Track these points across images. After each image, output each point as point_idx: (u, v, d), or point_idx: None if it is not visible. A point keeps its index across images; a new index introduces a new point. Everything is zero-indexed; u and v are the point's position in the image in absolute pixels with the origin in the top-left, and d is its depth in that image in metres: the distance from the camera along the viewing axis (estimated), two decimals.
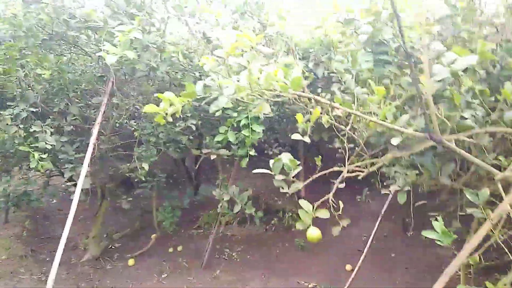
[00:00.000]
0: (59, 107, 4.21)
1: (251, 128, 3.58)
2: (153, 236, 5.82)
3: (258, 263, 5.27)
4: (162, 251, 5.67)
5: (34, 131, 3.83)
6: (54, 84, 4.16)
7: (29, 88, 4.10)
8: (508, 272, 2.15)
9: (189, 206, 6.77)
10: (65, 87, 4.20)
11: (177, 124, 4.09)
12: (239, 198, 4.31)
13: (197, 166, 4.86)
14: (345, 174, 2.16)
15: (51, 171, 5.23)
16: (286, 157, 1.99)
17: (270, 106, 4.46)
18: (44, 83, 4.22)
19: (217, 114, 3.58)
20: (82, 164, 3.88)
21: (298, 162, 1.99)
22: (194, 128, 4.15)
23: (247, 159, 3.78)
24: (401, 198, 2.36)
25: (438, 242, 1.68)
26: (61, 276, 4.90)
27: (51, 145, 3.84)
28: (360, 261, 3.76)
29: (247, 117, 3.61)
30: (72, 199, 3.75)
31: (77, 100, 4.46)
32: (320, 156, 2.18)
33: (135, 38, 3.15)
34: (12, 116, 3.85)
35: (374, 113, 1.96)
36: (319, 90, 3.68)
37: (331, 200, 2.04)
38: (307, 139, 1.97)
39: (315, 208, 1.97)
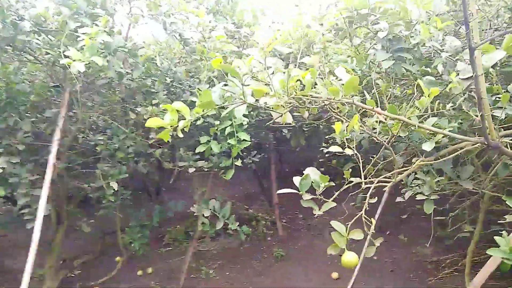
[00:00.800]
0: (7, 123, 3.62)
1: (237, 136, 3.28)
2: (118, 259, 5.30)
3: (238, 279, 4.95)
4: (130, 275, 5.18)
5: None
6: (1, 97, 3.57)
7: None
8: None
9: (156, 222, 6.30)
10: (13, 100, 3.63)
11: (150, 136, 3.68)
12: (221, 213, 3.99)
13: (172, 180, 4.43)
14: (372, 186, 1.94)
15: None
16: (314, 173, 1.72)
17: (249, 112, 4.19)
18: None
19: (198, 122, 3.26)
20: (37, 187, 3.38)
21: (329, 177, 1.73)
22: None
23: (233, 170, 3.47)
24: (428, 207, 2.18)
25: (506, 261, 1.49)
26: None
27: (0, 168, 3.29)
28: (356, 270, 3.58)
29: (231, 125, 3.30)
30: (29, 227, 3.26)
31: (28, 115, 3.88)
32: (350, 170, 1.93)
33: (104, 41, 2.74)
34: None
35: (409, 117, 1.76)
36: None
37: (364, 217, 1.80)
38: (349, 151, 1.73)
39: (348, 229, 1.72)
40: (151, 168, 4.77)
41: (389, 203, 3.34)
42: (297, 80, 1.46)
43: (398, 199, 2.54)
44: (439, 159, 2.13)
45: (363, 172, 2.12)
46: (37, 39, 3.27)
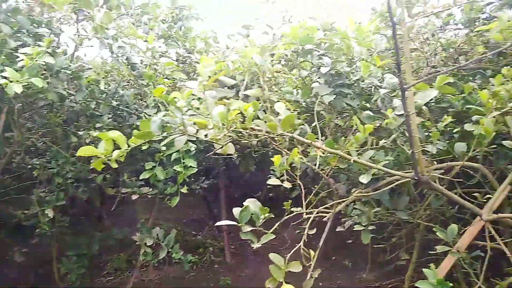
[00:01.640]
0: None
1: (183, 163, 3.23)
2: None
3: None
4: None
5: None
6: None
7: None
8: None
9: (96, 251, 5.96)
10: None
11: (91, 161, 3.52)
12: (165, 242, 3.86)
13: (114, 207, 4.24)
14: (311, 216, 1.97)
15: None
16: (254, 205, 1.72)
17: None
18: None
19: (143, 148, 3.19)
20: None
21: (267, 209, 1.74)
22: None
23: (178, 197, 3.40)
24: (365, 237, 2.25)
25: None
26: None
27: None
28: None
29: (178, 151, 3.26)
30: None
31: None
32: (290, 201, 1.96)
33: (46, 62, 2.63)
34: None
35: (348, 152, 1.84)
36: None
37: (303, 248, 1.83)
38: (286, 184, 1.75)
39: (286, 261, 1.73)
40: (92, 193, 4.56)
41: (335, 228, 3.42)
42: (239, 113, 1.49)
43: (339, 228, 2.60)
44: (376, 190, 2.23)
45: (305, 201, 2.17)
46: None
